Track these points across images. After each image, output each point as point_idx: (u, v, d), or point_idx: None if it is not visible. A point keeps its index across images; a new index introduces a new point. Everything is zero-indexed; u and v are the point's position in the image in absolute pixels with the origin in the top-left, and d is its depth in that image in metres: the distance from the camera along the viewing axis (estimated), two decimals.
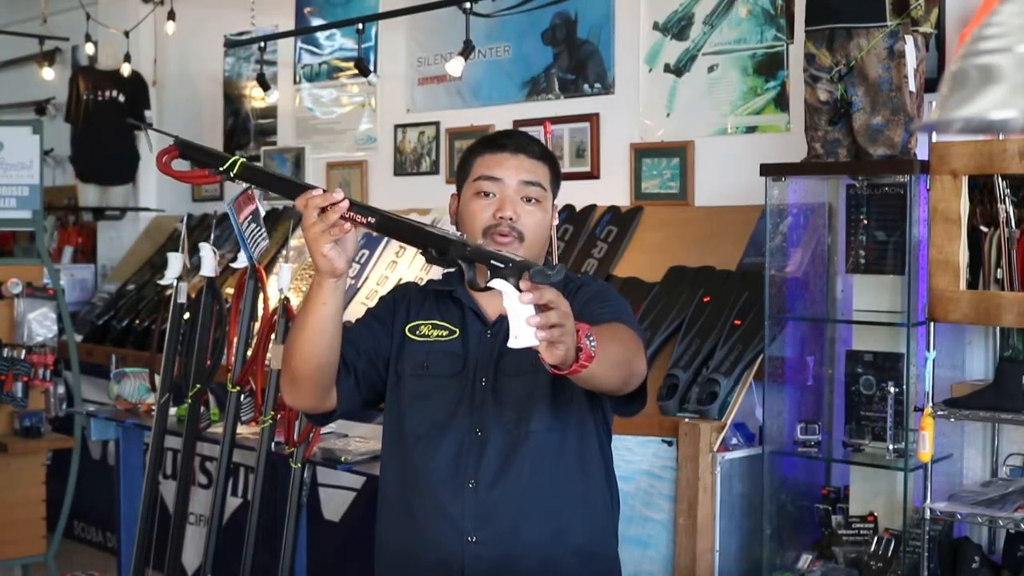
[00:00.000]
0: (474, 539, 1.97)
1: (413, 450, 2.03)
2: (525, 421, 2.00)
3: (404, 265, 4.73)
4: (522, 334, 1.62)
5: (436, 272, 2.46)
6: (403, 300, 2.14)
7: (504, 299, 1.66)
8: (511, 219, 2.01)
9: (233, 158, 1.96)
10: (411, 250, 4.80)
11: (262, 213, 2.06)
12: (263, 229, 2.08)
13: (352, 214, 1.82)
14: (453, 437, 2.01)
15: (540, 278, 1.60)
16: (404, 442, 2.05)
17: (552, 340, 1.61)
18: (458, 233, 1.80)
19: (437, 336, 2.07)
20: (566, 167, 4.47)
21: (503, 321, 2.03)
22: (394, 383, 2.08)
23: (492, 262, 1.67)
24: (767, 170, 3.45)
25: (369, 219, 1.83)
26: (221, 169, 1.94)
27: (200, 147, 2.02)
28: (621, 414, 2.07)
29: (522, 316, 1.62)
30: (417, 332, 2.09)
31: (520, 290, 1.63)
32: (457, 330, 2.07)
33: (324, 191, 1.83)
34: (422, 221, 1.88)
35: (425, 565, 2.01)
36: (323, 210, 1.81)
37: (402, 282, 2.33)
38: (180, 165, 2.06)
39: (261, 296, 3.73)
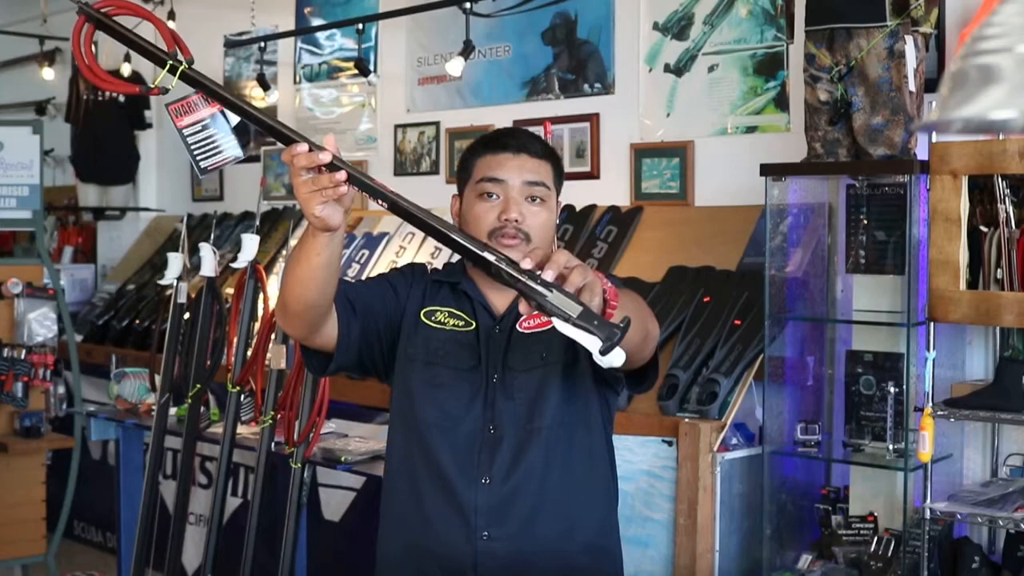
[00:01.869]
0: (487, 535, 1.97)
1: (425, 439, 2.02)
2: (537, 416, 2.00)
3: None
4: (605, 358, 1.57)
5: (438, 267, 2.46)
6: (420, 280, 2.12)
7: (574, 337, 1.58)
8: (516, 221, 2.00)
9: (171, 61, 1.72)
10: (412, 249, 4.81)
11: (232, 120, 1.78)
12: (230, 137, 1.77)
13: (354, 188, 1.68)
14: (466, 432, 2.00)
15: (608, 350, 1.54)
16: (415, 429, 2.04)
17: (590, 289, 1.59)
18: (494, 256, 1.64)
19: (454, 325, 2.05)
20: (566, 167, 4.45)
21: (510, 315, 2.03)
22: (404, 365, 2.06)
23: (551, 314, 1.57)
24: (767, 170, 3.45)
25: (379, 202, 1.69)
26: (155, 84, 1.74)
27: (122, 30, 1.77)
28: (636, 390, 2.07)
29: (597, 348, 1.56)
30: (433, 318, 2.06)
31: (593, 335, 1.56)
32: (473, 322, 2.05)
33: (311, 147, 1.66)
34: (455, 227, 1.73)
35: (435, 560, 2.01)
36: (318, 169, 1.65)
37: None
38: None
39: (261, 296, 3.74)
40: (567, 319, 1.56)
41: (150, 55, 1.75)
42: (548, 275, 1.59)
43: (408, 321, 2.07)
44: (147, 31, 1.87)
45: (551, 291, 1.57)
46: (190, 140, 1.77)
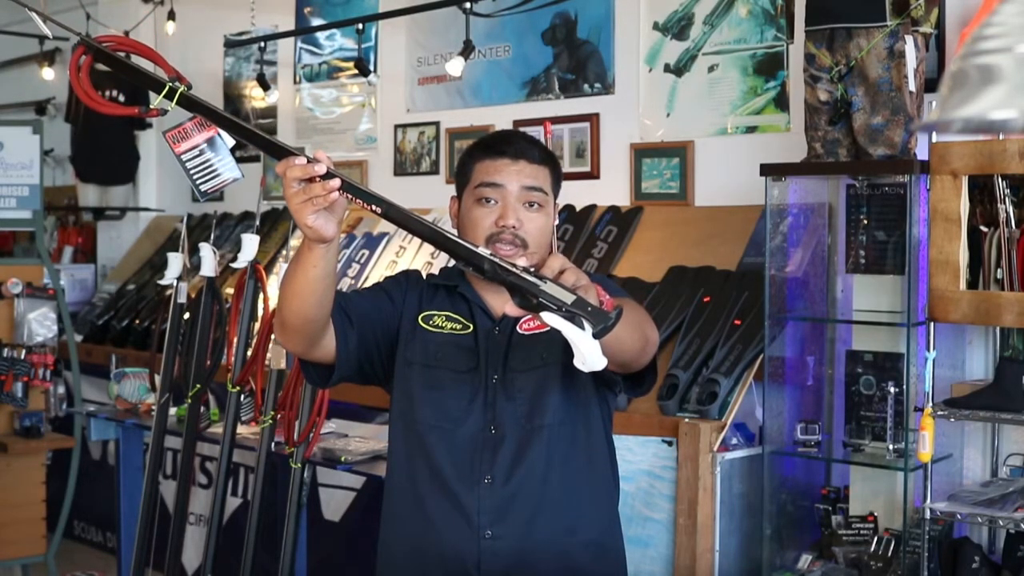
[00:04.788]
0: (490, 534, 1.98)
1: (425, 441, 2.03)
2: (538, 415, 2.01)
3: (404, 266, 4.72)
4: (589, 358, 1.58)
5: (438, 268, 2.47)
6: (415, 286, 2.13)
7: (563, 331, 1.59)
8: (514, 227, 2.01)
9: (170, 85, 1.75)
10: (412, 250, 4.81)
11: (227, 142, 1.79)
12: (228, 158, 1.80)
13: (347, 195, 1.70)
14: (467, 433, 2.01)
15: (602, 334, 1.55)
16: (415, 431, 2.05)
17: (584, 289, 1.61)
18: (488, 251, 1.69)
19: (451, 328, 2.07)
20: (566, 167, 4.47)
21: (509, 316, 2.04)
22: (403, 370, 2.07)
23: (541, 301, 1.59)
24: (767, 170, 3.45)
25: (373, 207, 1.71)
26: (154, 105, 1.76)
27: (120, 59, 1.79)
28: (634, 393, 2.08)
29: (586, 343, 1.57)
30: (431, 322, 2.08)
31: (582, 329, 1.56)
32: (471, 325, 2.06)
33: (307, 159, 1.68)
34: (449, 231, 1.75)
35: (438, 560, 2.01)
36: (310, 179, 1.68)
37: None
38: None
39: (261, 296, 3.74)
40: (560, 307, 1.57)
41: (149, 82, 1.77)
42: (543, 270, 1.61)
43: (406, 327, 2.08)
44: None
45: (544, 282, 1.60)
46: (189, 165, 1.80)
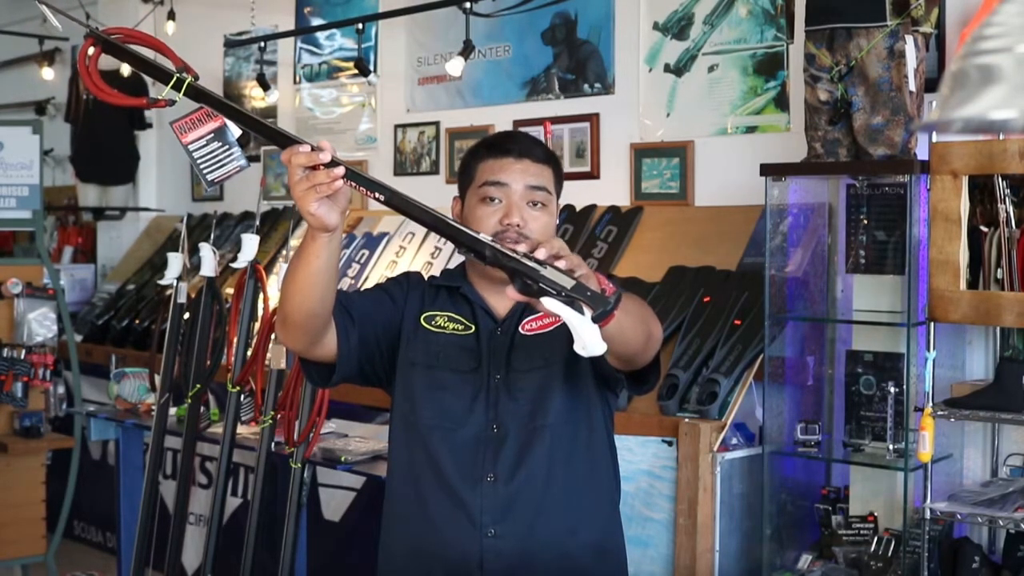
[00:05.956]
0: (493, 533, 1.98)
1: (427, 441, 2.03)
2: (540, 415, 2.01)
3: (404, 265, 4.72)
4: (589, 343, 1.59)
5: (438, 269, 2.47)
6: (416, 287, 2.13)
7: (562, 316, 1.60)
8: (518, 226, 2.01)
9: (177, 76, 1.76)
10: (412, 249, 4.81)
11: (234, 133, 1.79)
12: (234, 148, 1.80)
13: (351, 184, 1.71)
14: (469, 433, 2.01)
15: (601, 317, 1.57)
16: (417, 431, 2.05)
17: (578, 270, 1.62)
18: (489, 237, 1.71)
19: (453, 329, 2.07)
20: (566, 167, 4.46)
21: (512, 318, 2.05)
22: (405, 370, 2.07)
23: (541, 286, 1.60)
24: (767, 170, 3.45)
25: (376, 195, 1.72)
26: (162, 96, 1.77)
27: (129, 50, 1.80)
28: (637, 391, 2.09)
29: (586, 328, 1.58)
30: (433, 323, 2.08)
31: (581, 312, 1.58)
32: (473, 326, 2.07)
33: (312, 147, 1.68)
34: (450, 218, 1.77)
35: (439, 560, 2.01)
36: (315, 167, 1.68)
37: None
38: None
39: (261, 296, 3.74)
40: (560, 291, 1.59)
41: (158, 73, 1.77)
42: (541, 254, 1.63)
43: (407, 327, 2.08)
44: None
45: (544, 267, 1.62)
46: (196, 155, 1.81)
